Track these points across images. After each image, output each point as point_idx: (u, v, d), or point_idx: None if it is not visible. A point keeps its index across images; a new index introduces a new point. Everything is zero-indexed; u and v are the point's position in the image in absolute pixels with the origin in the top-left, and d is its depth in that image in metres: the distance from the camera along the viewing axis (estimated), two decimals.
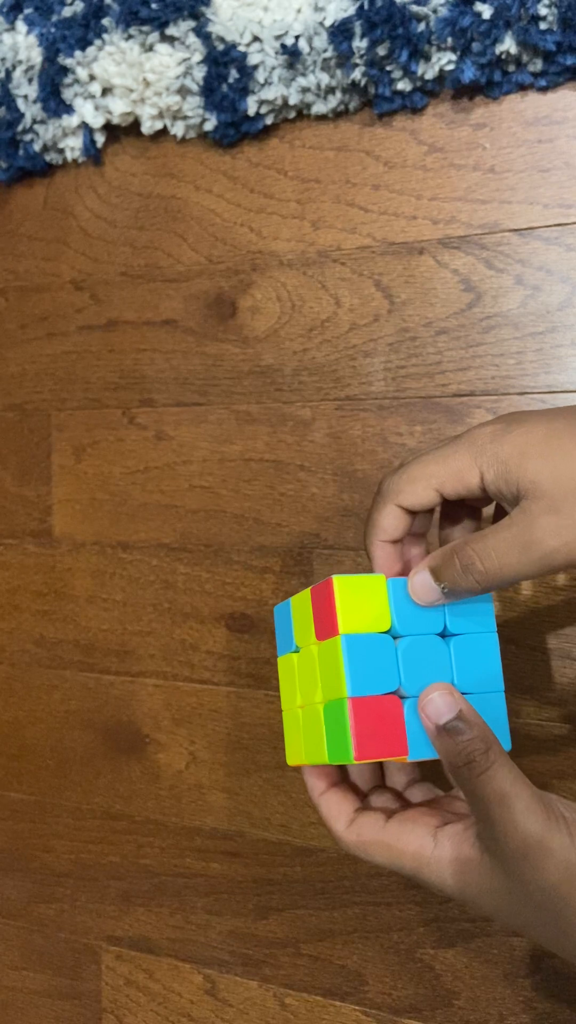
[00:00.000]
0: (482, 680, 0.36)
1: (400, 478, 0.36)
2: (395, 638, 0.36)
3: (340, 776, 0.39)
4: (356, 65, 0.50)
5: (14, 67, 0.58)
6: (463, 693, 0.35)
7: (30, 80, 0.58)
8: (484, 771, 0.31)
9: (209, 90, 0.53)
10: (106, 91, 0.57)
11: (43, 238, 0.63)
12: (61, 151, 0.60)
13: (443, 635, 0.36)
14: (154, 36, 0.54)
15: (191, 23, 0.53)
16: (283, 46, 0.51)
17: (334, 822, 0.37)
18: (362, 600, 0.35)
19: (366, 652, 0.34)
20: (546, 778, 0.49)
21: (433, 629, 0.36)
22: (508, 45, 0.47)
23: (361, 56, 0.49)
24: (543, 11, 0.45)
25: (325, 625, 0.35)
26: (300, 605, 0.38)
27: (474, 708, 0.33)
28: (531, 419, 0.33)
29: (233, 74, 0.52)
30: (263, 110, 0.53)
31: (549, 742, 0.48)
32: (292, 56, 0.51)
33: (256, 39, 0.52)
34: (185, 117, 0.56)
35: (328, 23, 0.49)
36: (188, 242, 0.58)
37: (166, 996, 0.59)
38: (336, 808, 0.37)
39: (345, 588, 0.35)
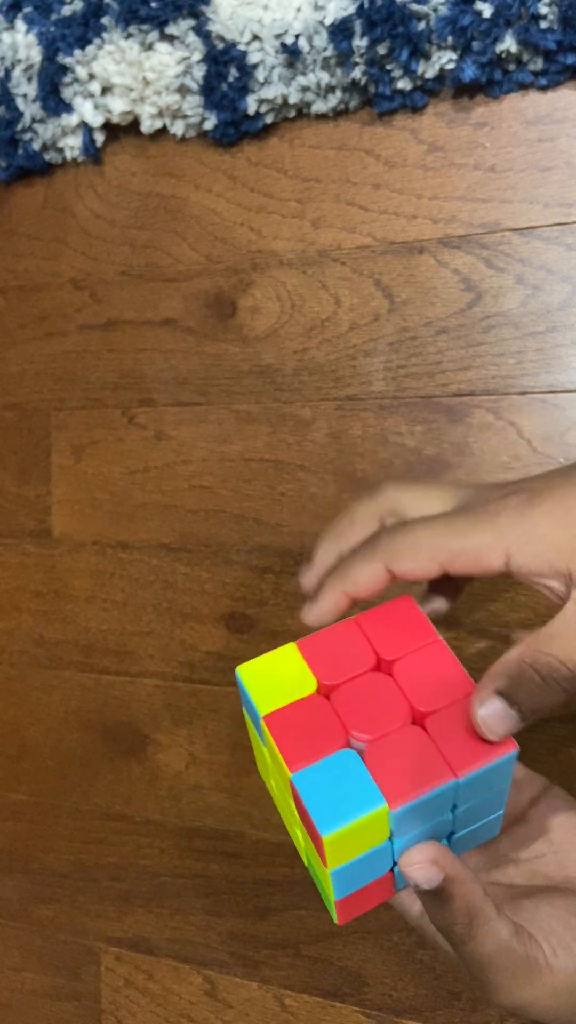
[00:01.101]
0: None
1: (402, 541, 0.30)
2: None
3: None
4: (356, 64, 0.50)
5: (13, 66, 0.58)
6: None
7: (29, 79, 0.57)
8: (464, 944, 0.28)
9: (209, 89, 0.53)
10: (106, 90, 0.57)
11: (42, 237, 0.62)
12: (60, 150, 0.60)
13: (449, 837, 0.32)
14: (154, 35, 0.54)
15: (191, 22, 0.53)
16: (283, 45, 0.51)
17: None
18: (358, 832, 0.28)
19: (359, 866, 0.29)
20: (547, 778, 0.48)
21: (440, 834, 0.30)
22: (508, 44, 0.47)
23: (361, 55, 0.49)
24: (543, 10, 0.45)
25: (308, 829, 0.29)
26: (275, 754, 0.30)
27: (461, 867, 0.28)
28: (552, 485, 0.29)
29: (233, 73, 0.52)
30: (263, 109, 0.53)
31: (549, 742, 0.48)
32: (292, 55, 0.51)
33: (256, 38, 0.52)
34: (185, 116, 0.56)
35: (328, 22, 0.49)
36: (188, 241, 0.58)
37: (166, 997, 0.59)
38: None
39: (337, 838, 0.27)
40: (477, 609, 0.50)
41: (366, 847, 0.29)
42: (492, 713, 0.28)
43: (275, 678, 0.31)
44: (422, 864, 0.28)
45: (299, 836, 0.32)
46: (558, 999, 0.29)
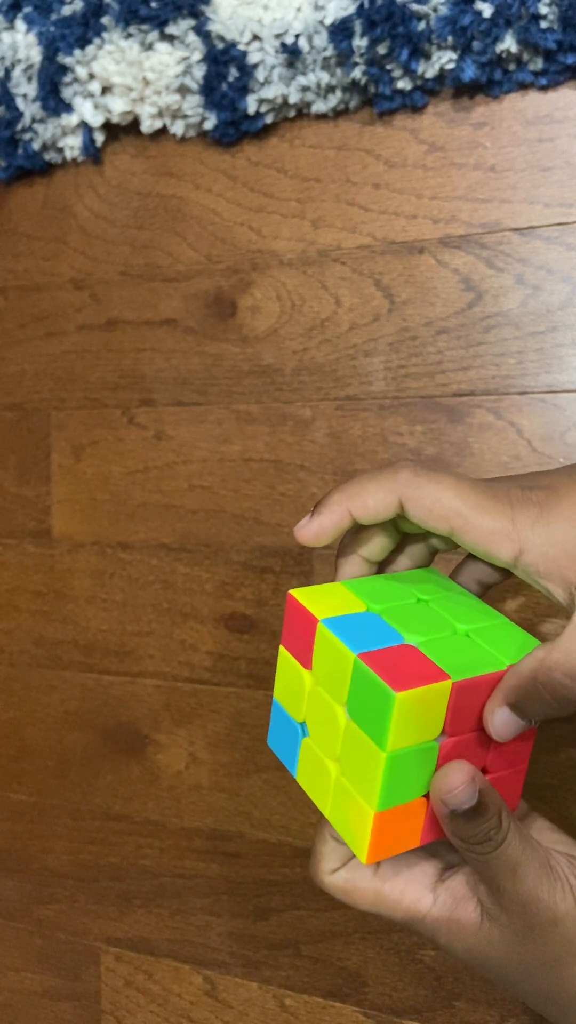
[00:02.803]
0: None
1: (427, 488, 0.30)
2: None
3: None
4: (356, 64, 0.50)
5: (13, 66, 0.58)
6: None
7: (29, 79, 0.57)
8: (497, 847, 0.29)
9: (209, 89, 0.53)
10: (105, 90, 0.57)
11: (42, 237, 0.62)
12: (60, 150, 0.60)
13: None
14: (154, 35, 0.54)
15: (191, 22, 0.53)
16: (283, 45, 0.51)
17: (317, 869, 0.34)
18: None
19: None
20: (546, 778, 0.48)
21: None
22: (509, 44, 0.46)
23: (361, 55, 0.49)
24: (544, 9, 0.45)
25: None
26: (331, 650, 0.31)
27: (487, 780, 0.30)
28: (566, 491, 0.29)
29: (233, 73, 0.52)
30: (263, 109, 0.53)
31: (549, 742, 0.48)
32: (292, 55, 0.51)
33: (256, 38, 0.52)
34: (185, 116, 0.56)
35: (328, 21, 0.49)
36: (188, 241, 0.58)
37: (166, 997, 0.59)
38: (318, 852, 0.34)
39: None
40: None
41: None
42: (502, 722, 0.30)
43: (327, 602, 0.33)
44: (462, 779, 0.29)
45: (331, 774, 0.32)
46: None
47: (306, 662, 0.33)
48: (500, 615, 0.33)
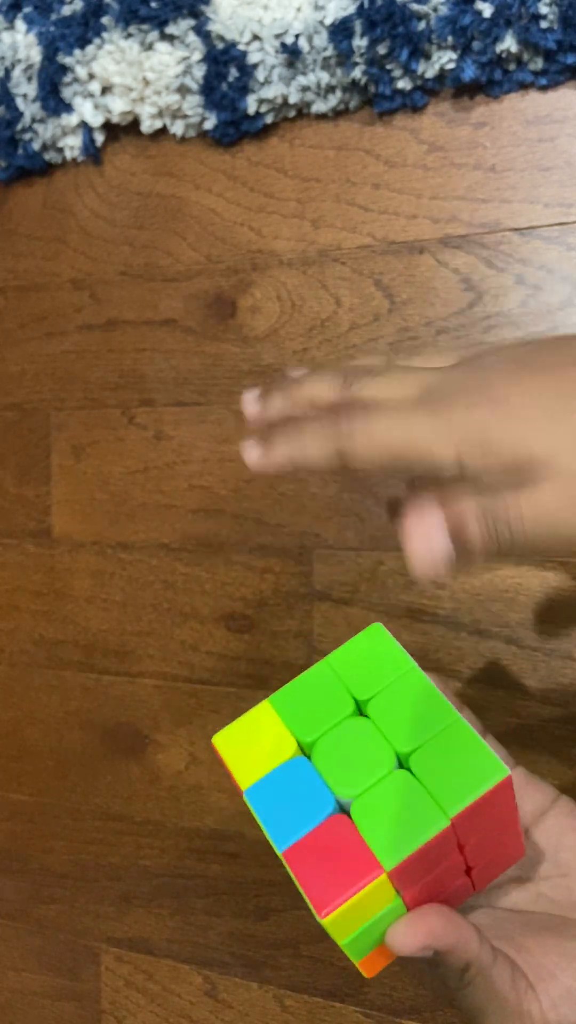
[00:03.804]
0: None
1: (363, 440, 0.29)
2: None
3: None
4: (356, 64, 0.50)
5: (13, 66, 0.58)
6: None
7: (29, 79, 0.57)
8: (459, 990, 0.28)
9: (209, 89, 0.53)
10: (105, 90, 0.57)
11: (42, 237, 0.62)
12: (60, 150, 0.60)
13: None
14: (154, 35, 0.54)
15: (191, 22, 0.53)
16: (283, 45, 0.51)
17: None
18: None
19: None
20: (546, 779, 0.48)
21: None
22: (509, 44, 0.46)
23: (361, 55, 0.49)
24: (544, 9, 0.45)
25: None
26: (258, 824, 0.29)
27: (450, 923, 0.27)
28: (521, 396, 0.28)
29: (233, 73, 0.52)
30: (263, 109, 0.53)
31: (549, 742, 0.48)
32: (292, 55, 0.51)
33: (256, 38, 0.52)
34: (185, 116, 0.56)
35: (328, 21, 0.49)
36: (188, 241, 0.58)
37: (166, 997, 0.59)
38: None
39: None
40: (477, 609, 0.49)
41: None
42: (440, 545, 0.27)
43: (253, 743, 0.30)
44: (411, 948, 0.27)
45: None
46: None
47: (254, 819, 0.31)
48: (445, 704, 0.29)
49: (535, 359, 0.29)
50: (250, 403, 0.33)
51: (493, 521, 0.27)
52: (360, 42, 0.48)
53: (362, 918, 0.27)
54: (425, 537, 0.27)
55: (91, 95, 0.57)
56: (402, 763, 0.29)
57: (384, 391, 0.30)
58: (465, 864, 0.29)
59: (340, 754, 0.29)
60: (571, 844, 0.33)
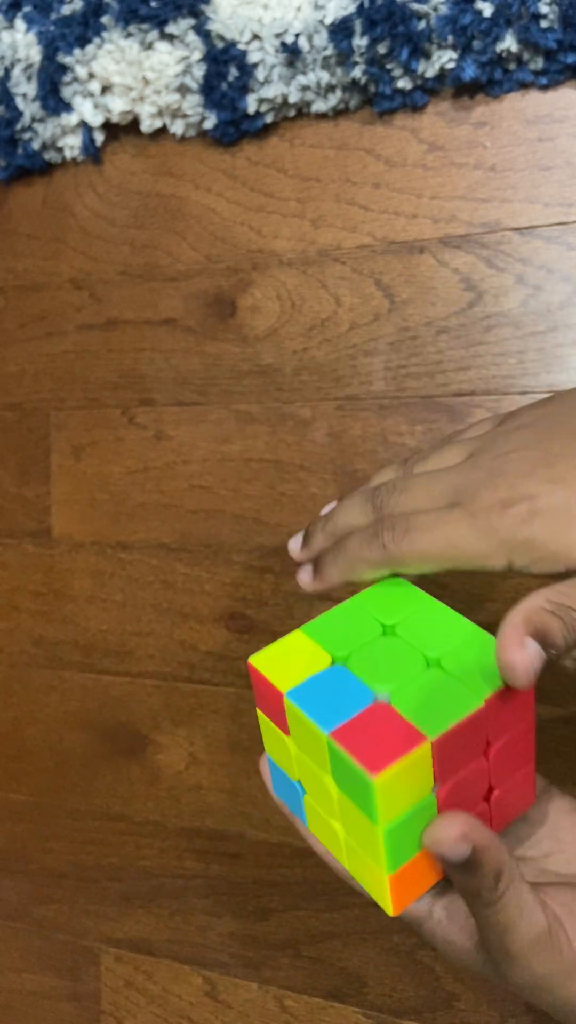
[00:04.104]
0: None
1: (409, 551, 0.32)
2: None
3: None
4: (356, 63, 0.49)
5: (13, 65, 0.58)
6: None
7: (29, 78, 0.57)
8: (489, 905, 0.28)
9: (209, 88, 0.53)
10: (105, 89, 0.57)
11: (42, 237, 0.62)
12: (60, 149, 0.60)
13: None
14: (153, 34, 0.54)
15: (191, 21, 0.53)
16: (283, 44, 0.51)
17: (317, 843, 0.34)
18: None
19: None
20: (547, 779, 0.48)
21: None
22: (509, 43, 0.46)
23: (361, 54, 0.49)
24: (544, 9, 0.45)
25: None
26: (302, 727, 0.30)
27: (486, 831, 0.28)
28: (547, 486, 0.31)
29: (233, 72, 0.52)
30: (263, 108, 0.53)
31: (549, 742, 0.48)
32: (292, 54, 0.51)
33: (256, 37, 0.52)
34: (185, 115, 0.56)
35: (328, 21, 0.49)
36: (188, 241, 0.58)
37: (165, 998, 0.59)
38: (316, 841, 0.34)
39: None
40: (477, 609, 0.49)
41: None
42: (534, 654, 0.28)
43: (290, 661, 0.32)
44: (451, 841, 0.28)
45: (338, 833, 0.31)
46: (573, 983, 0.28)
47: (284, 727, 0.32)
48: (466, 621, 0.32)
49: (550, 447, 0.31)
50: (295, 547, 0.37)
51: (569, 620, 0.28)
52: (360, 41, 0.48)
53: (406, 798, 0.28)
54: (518, 650, 0.28)
55: (91, 95, 0.57)
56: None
57: (415, 503, 0.33)
58: (489, 779, 0.31)
59: (374, 661, 0.31)
60: (568, 824, 0.34)
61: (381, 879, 0.30)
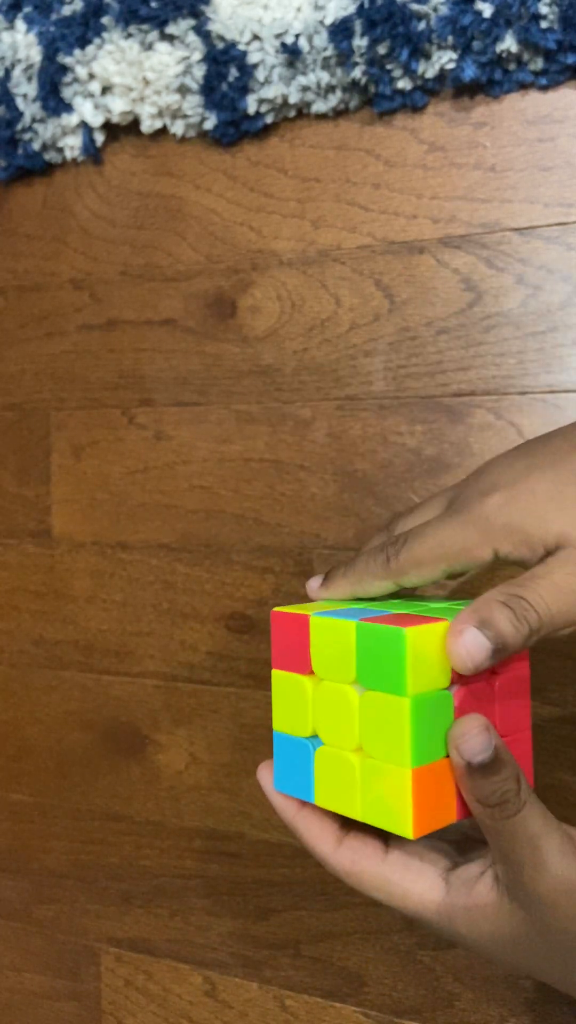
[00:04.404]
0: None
1: (407, 560, 0.34)
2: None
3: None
4: (356, 64, 0.50)
5: (13, 65, 0.58)
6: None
7: (29, 79, 0.57)
8: (516, 812, 0.29)
9: (209, 89, 0.53)
10: (105, 90, 0.57)
11: (42, 237, 0.62)
12: (60, 150, 0.60)
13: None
14: (154, 35, 0.54)
15: (191, 21, 0.53)
16: (283, 44, 0.51)
17: (319, 843, 0.34)
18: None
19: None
20: (547, 779, 0.48)
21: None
22: (509, 43, 0.46)
23: (361, 55, 0.49)
24: (544, 9, 0.45)
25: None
26: (331, 632, 0.33)
27: (502, 741, 0.31)
28: (527, 473, 0.33)
29: (233, 73, 0.52)
30: (263, 109, 0.53)
31: (550, 742, 0.48)
32: (292, 55, 0.51)
33: (256, 37, 0.52)
34: (185, 116, 0.56)
35: (328, 21, 0.49)
36: (188, 241, 0.58)
37: (166, 997, 0.59)
38: (319, 828, 0.34)
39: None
40: None
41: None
42: (472, 640, 0.30)
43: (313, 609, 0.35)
44: (478, 728, 0.30)
45: (354, 769, 0.32)
46: None
47: (303, 668, 0.34)
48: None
49: (533, 458, 0.34)
50: (314, 586, 0.39)
51: (519, 610, 0.31)
52: (360, 42, 0.48)
53: (430, 675, 0.30)
54: (458, 637, 0.31)
55: (91, 95, 0.57)
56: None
57: (417, 519, 0.37)
58: (495, 715, 0.32)
59: (392, 609, 0.34)
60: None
61: (403, 785, 0.30)
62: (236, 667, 0.56)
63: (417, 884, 0.32)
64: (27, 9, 0.57)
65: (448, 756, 0.31)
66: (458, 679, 0.31)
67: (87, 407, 0.61)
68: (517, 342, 0.49)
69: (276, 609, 0.35)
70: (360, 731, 0.32)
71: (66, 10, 0.56)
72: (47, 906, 0.63)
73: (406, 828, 0.30)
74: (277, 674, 0.35)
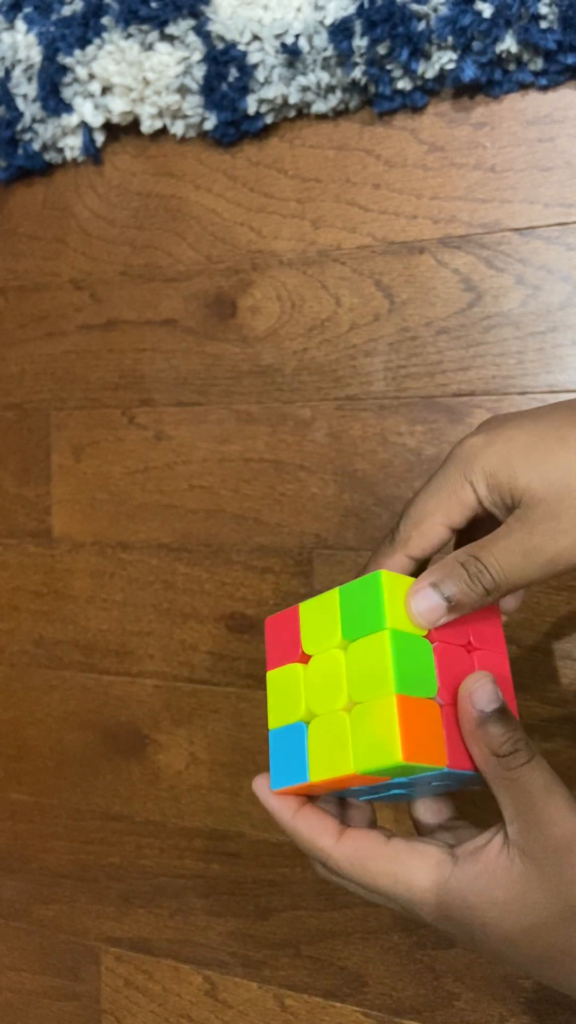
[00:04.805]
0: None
1: (405, 525, 0.35)
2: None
3: (308, 798, 0.35)
4: (356, 64, 0.50)
5: (13, 66, 0.58)
6: None
7: (29, 79, 0.57)
8: (528, 760, 0.31)
9: (209, 89, 0.53)
10: (106, 90, 0.57)
11: (42, 237, 0.62)
12: (60, 150, 0.60)
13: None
14: (154, 35, 0.54)
15: (191, 22, 0.53)
16: (283, 45, 0.51)
17: (320, 837, 0.33)
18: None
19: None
20: None
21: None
22: (509, 44, 0.47)
23: (361, 55, 0.49)
24: (543, 10, 0.45)
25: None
26: (318, 608, 0.35)
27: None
28: (513, 424, 0.33)
29: (233, 73, 0.52)
30: (263, 109, 0.53)
31: (549, 742, 0.48)
32: (292, 55, 0.51)
33: (256, 38, 0.52)
34: (185, 116, 0.56)
35: (328, 22, 0.49)
36: (188, 241, 0.58)
37: (166, 997, 0.59)
38: (319, 824, 0.33)
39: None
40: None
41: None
42: (424, 598, 0.33)
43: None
44: (490, 679, 0.32)
45: (345, 723, 0.33)
46: None
47: (296, 655, 0.35)
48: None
49: (525, 415, 0.34)
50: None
51: (474, 570, 0.32)
52: (360, 42, 0.48)
53: (404, 616, 0.33)
54: (414, 595, 0.33)
55: (91, 95, 0.57)
56: None
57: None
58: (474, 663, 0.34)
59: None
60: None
61: (390, 712, 0.31)
62: (236, 667, 0.56)
63: (424, 862, 0.32)
64: (27, 9, 0.57)
65: (433, 699, 0.32)
66: (434, 635, 0.33)
67: (87, 407, 0.61)
68: (517, 342, 0.49)
69: (269, 619, 0.37)
70: (348, 685, 0.33)
71: (66, 10, 0.56)
72: (47, 906, 0.63)
73: (395, 753, 0.30)
74: (272, 675, 0.36)
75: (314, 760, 0.33)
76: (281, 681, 0.36)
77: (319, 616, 0.35)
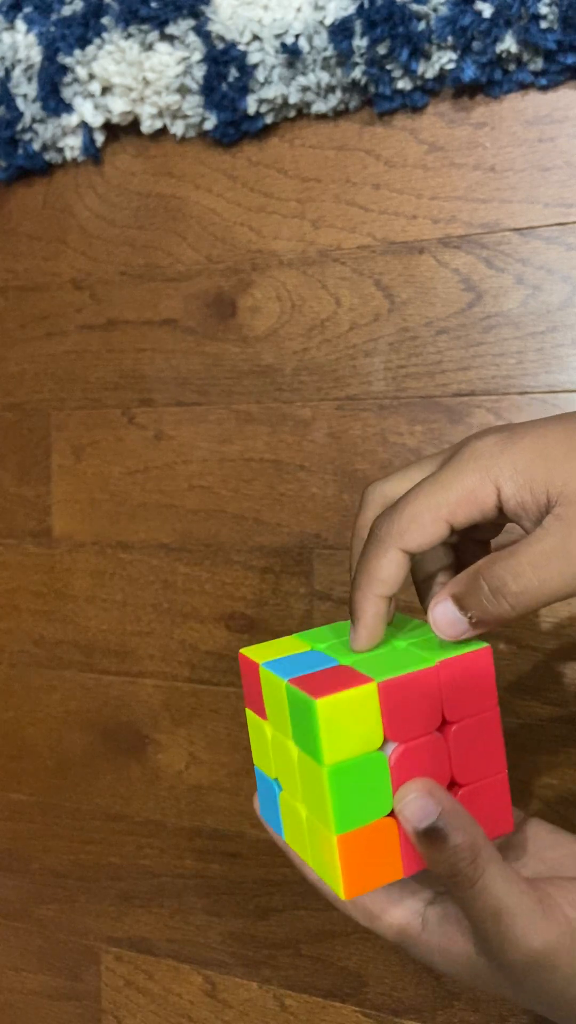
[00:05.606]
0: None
1: (401, 517, 0.30)
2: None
3: None
4: (356, 64, 0.50)
5: (13, 66, 0.58)
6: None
7: (29, 79, 0.57)
8: (472, 884, 0.27)
9: (209, 89, 0.53)
10: (106, 90, 0.57)
11: (42, 237, 0.62)
12: (60, 150, 0.60)
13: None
14: (154, 35, 0.54)
15: (191, 22, 0.53)
16: (283, 45, 0.51)
17: (306, 869, 0.33)
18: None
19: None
20: (546, 779, 0.48)
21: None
22: (509, 44, 0.46)
23: (361, 55, 0.49)
24: (543, 10, 0.45)
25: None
26: (273, 687, 0.32)
27: (458, 804, 0.29)
28: (530, 427, 0.30)
29: (233, 73, 0.52)
30: (263, 109, 0.53)
31: (549, 742, 0.48)
32: (292, 55, 0.51)
33: (256, 38, 0.52)
34: (185, 116, 0.56)
35: (328, 22, 0.49)
36: (188, 241, 0.58)
37: (165, 997, 0.59)
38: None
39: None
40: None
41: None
42: (443, 613, 0.30)
43: (275, 652, 0.34)
44: (419, 793, 0.28)
45: (303, 819, 0.31)
46: None
47: (262, 712, 0.33)
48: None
49: (535, 421, 0.31)
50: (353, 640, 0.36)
51: (496, 584, 0.29)
52: (360, 42, 0.48)
53: (353, 741, 0.29)
54: (434, 609, 0.30)
55: (91, 95, 0.57)
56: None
57: (406, 482, 0.33)
58: (450, 767, 0.30)
59: (346, 648, 0.33)
60: (552, 843, 0.33)
61: (332, 849, 0.29)
62: (236, 667, 0.56)
63: (396, 916, 0.31)
64: (27, 9, 0.57)
65: (386, 817, 0.29)
66: (396, 735, 0.29)
67: (87, 407, 0.61)
68: (517, 342, 0.49)
69: (242, 651, 0.34)
70: (301, 787, 0.31)
71: (66, 10, 0.56)
72: (47, 906, 0.63)
73: (339, 889, 0.29)
74: (249, 713, 0.35)
75: (286, 827, 0.33)
76: (255, 725, 0.34)
77: (274, 696, 0.32)
